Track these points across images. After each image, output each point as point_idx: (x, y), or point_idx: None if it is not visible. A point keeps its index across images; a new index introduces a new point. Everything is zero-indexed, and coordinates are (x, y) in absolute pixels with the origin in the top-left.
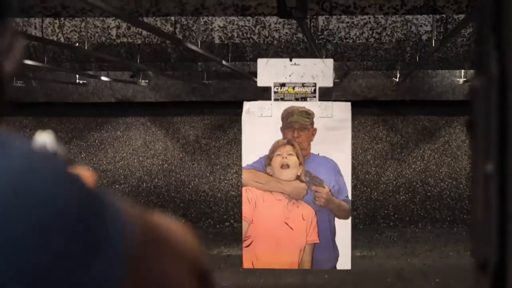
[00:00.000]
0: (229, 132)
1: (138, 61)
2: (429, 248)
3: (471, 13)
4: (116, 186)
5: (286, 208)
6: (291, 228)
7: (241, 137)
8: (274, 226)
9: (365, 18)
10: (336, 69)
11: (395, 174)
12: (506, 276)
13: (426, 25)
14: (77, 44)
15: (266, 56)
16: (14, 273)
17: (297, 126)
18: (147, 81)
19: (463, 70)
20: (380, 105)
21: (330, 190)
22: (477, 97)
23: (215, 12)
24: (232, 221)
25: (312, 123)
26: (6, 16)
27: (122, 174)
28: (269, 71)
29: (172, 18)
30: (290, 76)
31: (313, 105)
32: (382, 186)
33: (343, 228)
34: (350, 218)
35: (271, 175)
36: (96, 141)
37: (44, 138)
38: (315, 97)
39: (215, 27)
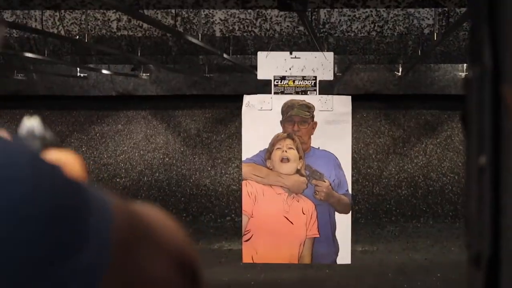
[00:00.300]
0: (231, 126)
1: (139, 54)
2: (431, 243)
3: (466, 5)
4: (117, 180)
5: (286, 202)
6: (291, 222)
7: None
8: (274, 220)
9: (367, 11)
10: (337, 63)
11: (397, 169)
12: (499, 270)
13: (428, 19)
14: (78, 37)
15: (268, 49)
16: None
17: (297, 119)
18: (148, 74)
19: (465, 64)
20: (382, 99)
21: (330, 184)
22: (470, 89)
23: (215, 5)
24: (233, 215)
25: (312, 117)
26: None
27: (123, 168)
28: (269, 64)
29: (173, 10)
30: (290, 69)
31: (313, 99)
32: (384, 180)
33: (344, 223)
34: (351, 212)
35: (271, 169)
36: (97, 134)
37: (32, 123)
38: (315, 90)
39: (216, 20)
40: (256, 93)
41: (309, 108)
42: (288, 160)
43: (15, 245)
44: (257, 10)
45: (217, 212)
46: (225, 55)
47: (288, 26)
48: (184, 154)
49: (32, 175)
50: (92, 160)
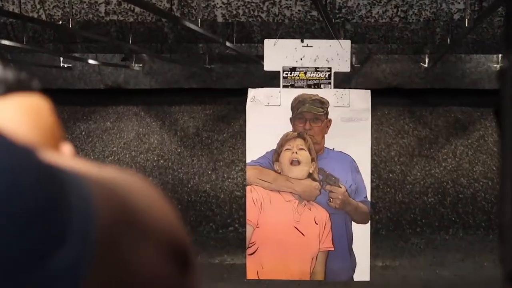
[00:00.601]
0: (234, 124)
1: (131, 42)
2: (461, 258)
3: None
4: None
5: (296, 210)
6: (302, 234)
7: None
8: (283, 231)
9: None
10: (356, 53)
11: (423, 173)
12: None
13: (459, 2)
14: (61, 22)
15: (276, 37)
16: None
17: (309, 116)
18: (140, 65)
19: (500, 55)
20: (406, 94)
21: (346, 190)
22: (505, 81)
23: None
24: (237, 225)
25: (327, 114)
26: None
27: None
28: (278, 53)
29: None
30: (301, 59)
31: (328, 93)
32: (407, 186)
33: (362, 234)
34: (370, 222)
35: (279, 173)
36: (83, 133)
37: None
38: (329, 83)
39: (217, 3)
40: (262, 87)
41: (323, 103)
42: (298, 162)
43: None
44: None
45: (218, 222)
46: (227, 44)
47: (299, 10)
48: (181, 155)
49: (4, 170)
50: None
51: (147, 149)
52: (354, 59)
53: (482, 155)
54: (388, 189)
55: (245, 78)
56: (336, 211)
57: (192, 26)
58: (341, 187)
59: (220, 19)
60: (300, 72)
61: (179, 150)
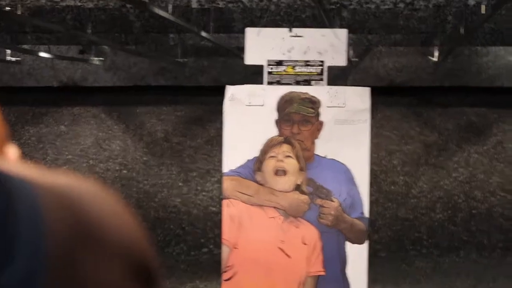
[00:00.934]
0: (210, 128)
1: (90, 31)
2: (473, 284)
3: None
4: None
5: (281, 228)
6: (288, 256)
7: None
8: (265, 253)
9: None
10: (353, 44)
11: (430, 185)
12: None
13: None
14: (7, 8)
15: (260, 25)
16: None
17: (298, 118)
18: (101, 58)
19: None
20: (412, 92)
21: (340, 205)
22: None
23: None
24: (211, 246)
25: (318, 115)
26: None
27: None
28: (262, 44)
29: None
30: (289, 51)
31: (320, 91)
32: (412, 200)
33: (357, 256)
34: (367, 242)
35: (262, 184)
36: (32, 138)
37: None
38: (322, 79)
39: None
40: (243, 83)
41: (314, 103)
42: (284, 172)
43: None
44: None
45: (190, 242)
46: (203, 33)
47: None
48: (148, 164)
49: None
50: None
51: (107, 157)
52: (351, 51)
53: (499, 164)
54: (389, 204)
55: (223, 73)
56: (328, 229)
57: (162, 13)
58: (333, 201)
59: (194, 5)
60: (287, 66)
61: (145, 158)
